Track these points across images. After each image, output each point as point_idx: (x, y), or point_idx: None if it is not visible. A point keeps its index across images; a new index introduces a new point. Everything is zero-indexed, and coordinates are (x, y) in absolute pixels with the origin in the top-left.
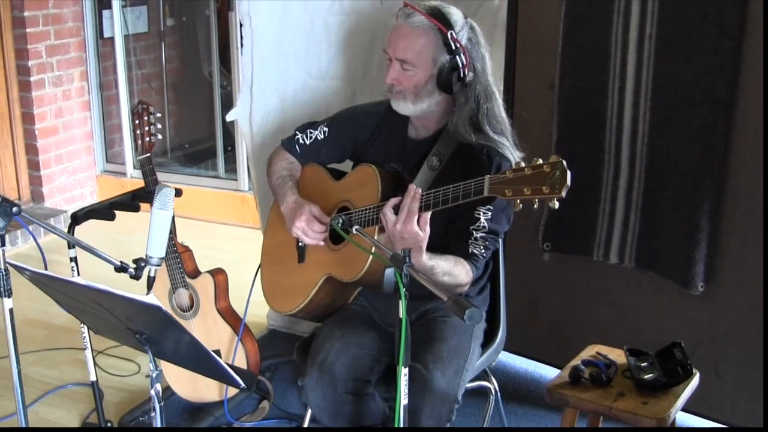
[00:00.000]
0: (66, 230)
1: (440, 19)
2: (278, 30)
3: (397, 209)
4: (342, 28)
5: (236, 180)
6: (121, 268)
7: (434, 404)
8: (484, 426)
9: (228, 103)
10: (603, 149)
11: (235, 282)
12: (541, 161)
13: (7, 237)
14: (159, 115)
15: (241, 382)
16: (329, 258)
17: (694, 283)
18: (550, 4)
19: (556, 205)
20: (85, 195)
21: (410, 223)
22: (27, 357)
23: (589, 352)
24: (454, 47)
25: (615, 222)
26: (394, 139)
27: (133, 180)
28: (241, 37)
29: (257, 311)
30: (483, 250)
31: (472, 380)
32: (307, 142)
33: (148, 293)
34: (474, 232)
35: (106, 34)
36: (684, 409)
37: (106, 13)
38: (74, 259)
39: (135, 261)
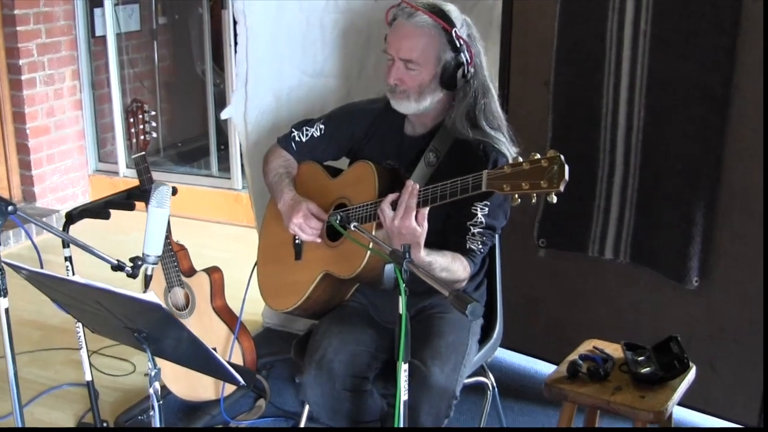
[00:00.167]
0: (60, 229)
1: (442, 16)
2: (273, 28)
3: (394, 205)
4: (337, 26)
5: (230, 178)
6: (118, 267)
7: (432, 400)
8: (481, 422)
9: (221, 102)
10: (598, 146)
11: (230, 280)
12: (539, 156)
13: None
14: (153, 113)
15: (240, 379)
16: (326, 255)
17: (688, 278)
18: (545, 1)
19: (554, 199)
20: (77, 194)
21: (408, 219)
22: (21, 357)
23: (586, 346)
24: (458, 44)
25: (610, 218)
26: (391, 136)
27: (126, 179)
28: (235, 35)
29: (252, 309)
30: (480, 246)
31: (469, 376)
32: (304, 140)
33: (145, 291)
34: (471, 228)
35: (98, 33)
36: (680, 404)
37: (97, 11)
38: (69, 259)
39: (132, 259)
